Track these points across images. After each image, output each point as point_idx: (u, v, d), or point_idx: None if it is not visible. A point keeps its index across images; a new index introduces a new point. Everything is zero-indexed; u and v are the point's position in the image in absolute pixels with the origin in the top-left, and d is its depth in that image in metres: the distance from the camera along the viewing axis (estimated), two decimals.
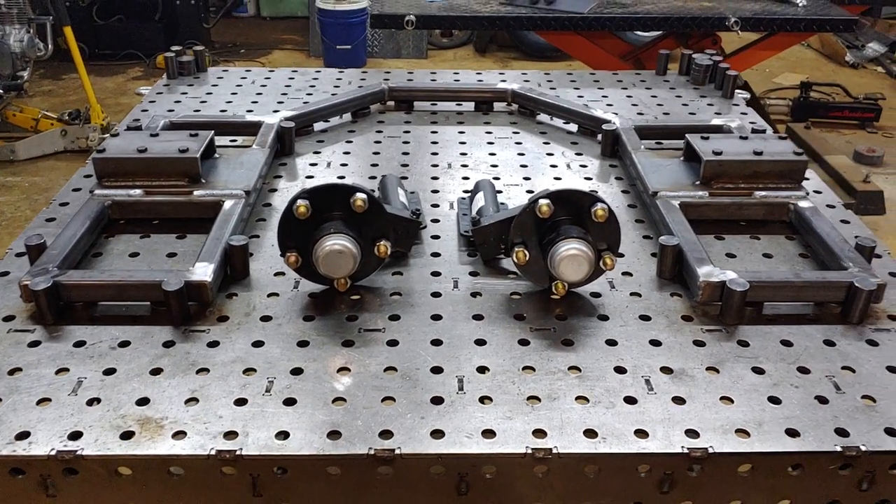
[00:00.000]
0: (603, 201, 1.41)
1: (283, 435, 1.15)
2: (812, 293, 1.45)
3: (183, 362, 1.30)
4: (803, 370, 1.31)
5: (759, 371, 1.30)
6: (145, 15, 8.10)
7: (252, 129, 2.04)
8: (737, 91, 2.44)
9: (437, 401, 1.22)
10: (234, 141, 2.07)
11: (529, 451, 1.13)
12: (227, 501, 1.15)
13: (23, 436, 1.14)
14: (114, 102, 7.13)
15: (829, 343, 1.37)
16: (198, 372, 1.27)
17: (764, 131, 2.03)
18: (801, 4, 4.13)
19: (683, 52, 2.62)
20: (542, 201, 1.40)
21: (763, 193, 1.71)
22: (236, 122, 2.12)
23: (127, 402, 1.21)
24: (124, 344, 1.33)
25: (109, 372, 1.27)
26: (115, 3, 7.93)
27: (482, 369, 1.29)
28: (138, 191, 1.70)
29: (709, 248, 1.56)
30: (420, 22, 3.94)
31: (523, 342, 1.36)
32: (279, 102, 2.36)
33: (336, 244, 1.37)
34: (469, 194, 1.81)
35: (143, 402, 1.21)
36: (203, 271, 1.41)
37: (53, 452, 1.11)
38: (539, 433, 1.16)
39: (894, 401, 1.24)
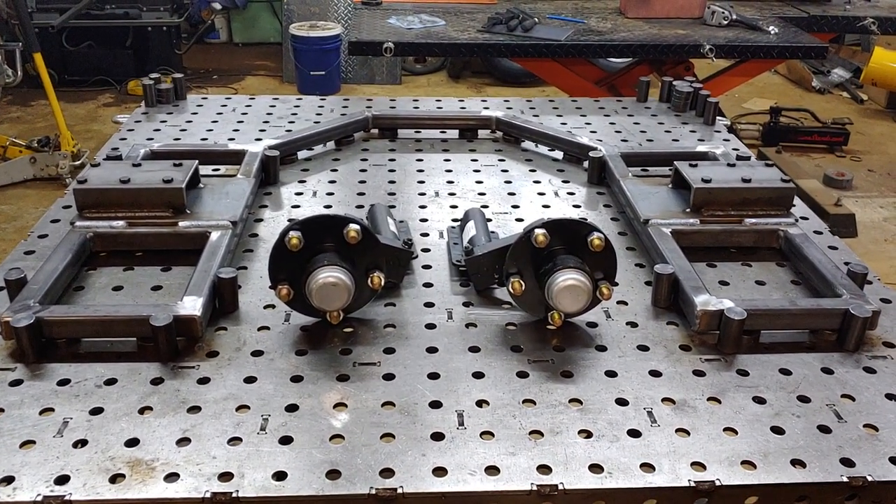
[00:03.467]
0: (599, 230, 1.40)
1: (281, 475, 1.11)
2: (808, 321, 1.45)
3: (173, 400, 1.25)
4: (804, 399, 1.30)
5: (760, 401, 1.29)
6: (116, 41, 8.02)
7: (235, 157, 2.01)
8: (717, 118, 2.46)
9: (437, 437, 1.19)
10: (217, 170, 2.04)
11: (535, 488, 1.10)
12: None
13: (7, 480, 1.09)
14: (84, 129, 7.03)
15: (828, 371, 1.37)
16: (189, 410, 1.23)
17: (749, 158, 2.04)
18: (773, 32, 4.20)
19: (663, 80, 2.64)
20: (538, 231, 1.39)
21: (753, 220, 1.72)
22: (219, 150, 2.08)
23: (115, 443, 1.16)
24: (111, 382, 1.29)
25: (96, 412, 1.22)
26: (85, 29, 7.84)
27: (481, 403, 1.27)
28: (121, 222, 1.66)
29: (702, 275, 1.55)
30: (398, 49, 3.94)
31: (522, 374, 1.34)
32: (261, 130, 2.33)
33: (330, 276, 1.34)
34: (459, 223, 1.79)
35: (132, 442, 1.16)
36: (192, 305, 1.38)
37: (40, 498, 1.06)
38: (544, 469, 1.14)
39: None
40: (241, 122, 2.39)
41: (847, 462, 1.17)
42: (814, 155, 6.91)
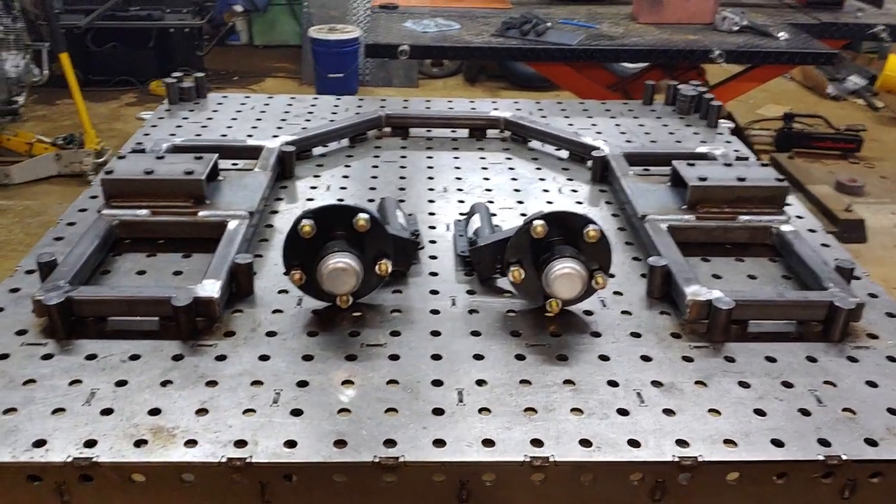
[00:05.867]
0: (595, 223, 1.47)
1: (291, 444, 1.19)
2: (795, 312, 1.51)
3: (192, 375, 1.34)
4: (787, 384, 1.37)
5: (745, 385, 1.36)
6: (139, 42, 8.19)
7: (253, 153, 2.10)
8: (721, 120, 2.53)
9: (438, 412, 1.27)
10: (236, 164, 2.13)
11: (527, 460, 1.18)
12: None
13: (39, 443, 1.18)
14: (107, 128, 7.19)
15: (812, 359, 1.44)
16: (207, 384, 1.32)
17: (747, 158, 2.11)
18: (782, 38, 4.26)
19: (669, 84, 2.71)
20: (537, 222, 1.47)
21: (747, 217, 1.79)
22: (238, 146, 2.18)
23: (139, 412, 1.25)
24: (135, 357, 1.38)
25: (121, 384, 1.31)
26: (109, 30, 8.01)
27: (481, 382, 1.35)
28: (145, 211, 1.75)
29: (696, 269, 1.62)
30: (414, 52, 4.04)
31: (520, 357, 1.42)
32: (278, 128, 2.42)
33: (340, 262, 1.43)
34: (465, 217, 1.87)
35: (154, 412, 1.25)
36: (211, 287, 1.47)
37: (70, 459, 1.15)
38: (536, 443, 1.21)
39: (873, 413, 1.30)
40: (260, 119, 2.49)
41: (824, 442, 1.24)
42: (827, 161, 6.94)
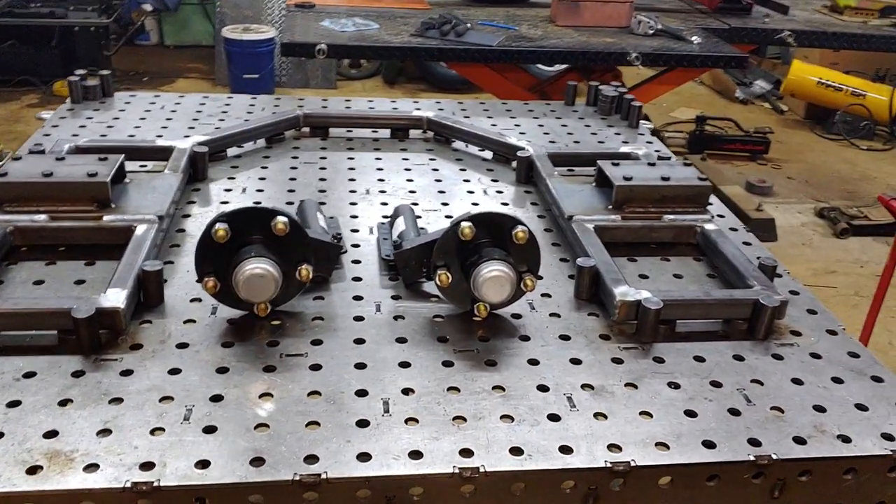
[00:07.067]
0: (523, 223, 1.44)
1: (204, 464, 1.11)
2: (721, 310, 1.51)
3: (94, 392, 1.24)
4: (716, 384, 1.36)
5: (674, 386, 1.35)
6: (41, 41, 7.79)
7: (163, 154, 1.99)
8: (641, 121, 2.54)
9: (362, 423, 1.21)
10: (145, 166, 2.01)
11: (456, 471, 1.13)
12: None
13: None
14: (6, 130, 6.82)
15: (739, 358, 1.44)
16: (110, 402, 1.22)
17: (669, 158, 2.12)
18: (695, 42, 4.36)
19: (590, 84, 2.72)
20: (465, 224, 1.42)
21: (671, 217, 1.79)
22: (146, 146, 2.06)
23: (33, 435, 1.14)
24: (29, 374, 1.27)
25: (13, 404, 1.20)
26: (8, 27, 7.60)
27: (407, 391, 1.29)
28: (43, 216, 1.63)
29: (622, 269, 1.61)
30: (332, 51, 3.95)
31: (447, 363, 1.37)
32: (190, 128, 2.31)
33: (257, 268, 1.35)
34: (389, 219, 1.81)
35: (51, 434, 1.15)
36: (115, 297, 1.36)
37: None
38: (466, 452, 1.16)
39: (800, 411, 1.30)
40: (170, 119, 2.37)
41: (754, 442, 1.23)
42: (737, 162, 7.17)
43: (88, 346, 1.32)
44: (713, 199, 1.97)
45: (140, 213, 1.66)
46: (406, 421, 1.22)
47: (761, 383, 1.37)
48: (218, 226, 1.36)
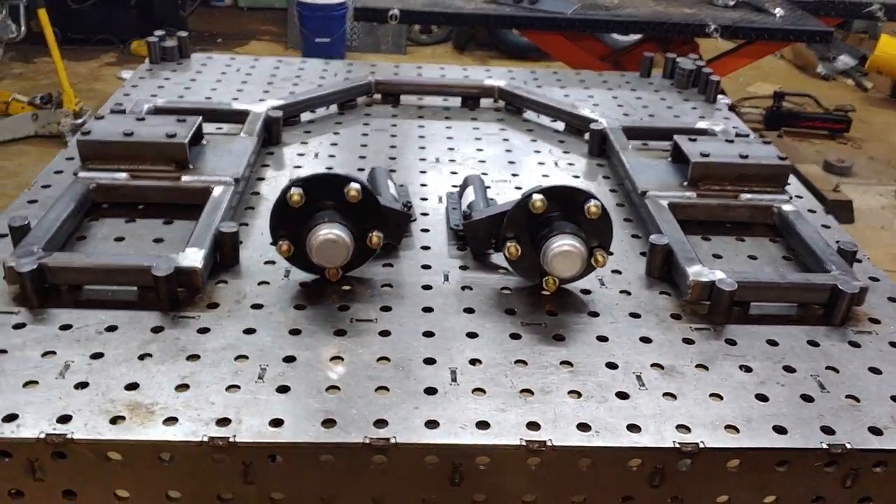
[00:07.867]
0: (596, 198, 1.42)
1: (277, 422, 1.14)
2: (797, 295, 1.47)
3: (172, 348, 1.28)
4: (789, 369, 1.33)
5: (746, 369, 1.32)
6: (120, 1, 7.97)
7: (239, 117, 2.02)
8: (719, 96, 2.47)
9: (430, 391, 1.22)
10: (221, 129, 2.05)
11: (524, 444, 1.13)
12: (217, 489, 1.14)
13: (10, 418, 1.11)
14: (86, 88, 7.02)
15: (813, 343, 1.40)
16: (188, 358, 1.26)
17: (748, 135, 2.06)
18: (778, 15, 4.20)
19: (667, 56, 2.65)
20: (536, 196, 1.41)
21: (748, 196, 1.74)
22: (223, 109, 2.09)
23: (116, 386, 1.19)
24: (112, 328, 1.31)
25: (97, 356, 1.25)
26: None
27: (474, 361, 1.30)
28: (124, 174, 1.67)
29: (696, 248, 1.57)
30: (404, 16, 3.94)
31: (515, 336, 1.37)
32: (265, 91, 2.34)
33: (331, 233, 1.36)
34: (458, 189, 1.81)
35: (132, 386, 1.19)
36: (194, 257, 1.40)
37: (43, 436, 1.09)
38: (533, 426, 1.17)
39: (877, 401, 1.27)
40: (245, 82, 2.40)
41: (827, 430, 1.20)
42: (815, 141, 6.92)
43: (167, 303, 1.36)
44: (791, 178, 1.91)
45: (217, 175, 1.69)
46: (473, 391, 1.23)
47: (836, 370, 1.33)
48: (293, 190, 1.38)
